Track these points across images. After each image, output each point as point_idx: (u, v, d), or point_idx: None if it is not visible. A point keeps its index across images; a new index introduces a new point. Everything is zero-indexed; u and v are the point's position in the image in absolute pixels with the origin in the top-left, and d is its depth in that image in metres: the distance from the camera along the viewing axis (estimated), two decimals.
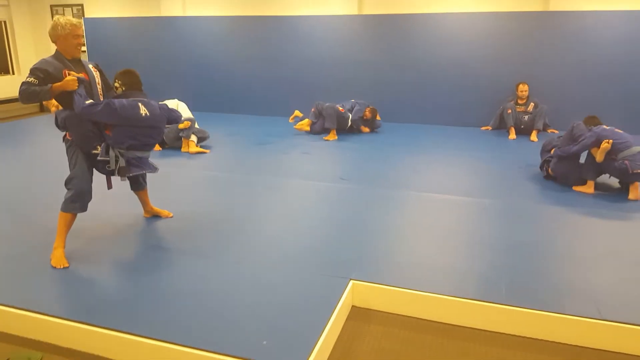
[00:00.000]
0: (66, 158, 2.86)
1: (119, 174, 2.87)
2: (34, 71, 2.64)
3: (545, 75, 6.71)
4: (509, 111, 6.46)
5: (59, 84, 2.66)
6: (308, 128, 6.49)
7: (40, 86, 2.62)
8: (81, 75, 2.76)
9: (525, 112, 6.49)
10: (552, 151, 4.44)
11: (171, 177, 4.51)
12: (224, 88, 8.25)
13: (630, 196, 3.94)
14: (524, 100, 6.56)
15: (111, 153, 2.81)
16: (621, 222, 3.49)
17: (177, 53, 8.40)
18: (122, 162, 2.84)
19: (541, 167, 4.61)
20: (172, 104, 6.03)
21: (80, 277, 2.64)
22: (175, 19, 8.37)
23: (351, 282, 2.55)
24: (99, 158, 2.82)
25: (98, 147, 2.83)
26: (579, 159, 4.31)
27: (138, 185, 3.31)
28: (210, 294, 2.45)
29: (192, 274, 2.68)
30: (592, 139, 4.08)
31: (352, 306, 2.57)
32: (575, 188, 4.18)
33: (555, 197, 4.00)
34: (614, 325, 2.20)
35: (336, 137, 6.20)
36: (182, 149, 5.53)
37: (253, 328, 2.15)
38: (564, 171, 4.27)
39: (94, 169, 2.92)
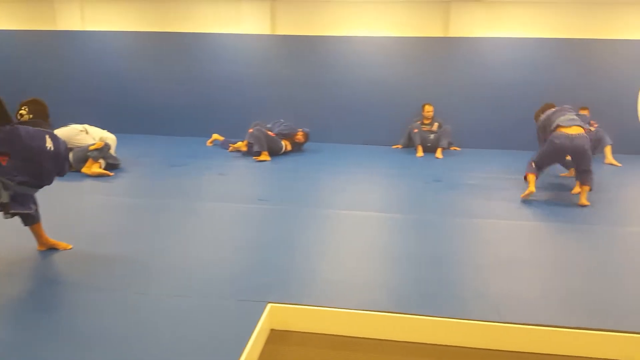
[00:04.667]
0: None
1: (1, 210, 2.59)
2: None
3: (448, 97, 7.26)
4: (415, 131, 6.89)
5: None
6: (245, 148, 6.37)
7: None
8: None
9: (431, 132, 6.95)
10: None
11: (71, 204, 4.17)
12: (133, 108, 7.87)
13: (580, 202, 4.34)
14: (429, 121, 7.02)
15: None
16: (520, 230, 3.81)
17: (79, 70, 7.88)
18: (5, 198, 2.55)
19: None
20: (78, 128, 5.59)
21: None
22: (74, 34, 7.87)
23: (269, 305, 2.51)
24: None
25: None
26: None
27: (32, 219, 2.98)
28: (117, 330, 2.27)
29: (96, 309, 2.47)
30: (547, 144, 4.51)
31: (271, 330, 2.52)
32: (522, 196, 4.51)
33: (461, 209, 4.29)
34: (512, 327, 2.37)
35: (269, 159, 6.13)
36: (83, 170, 5.14)
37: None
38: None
39: None
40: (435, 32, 7.38)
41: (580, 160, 4.35)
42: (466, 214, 4.14)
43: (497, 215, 4.12)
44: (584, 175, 4.39)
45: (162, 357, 2.07)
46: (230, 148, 6.63)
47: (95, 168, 5.15)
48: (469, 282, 2.84)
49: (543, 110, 4.88)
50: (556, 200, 4.60)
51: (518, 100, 7.13)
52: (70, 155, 5.11)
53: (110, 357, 2.05)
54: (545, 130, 4.63)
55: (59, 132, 5.22)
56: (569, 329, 2.34)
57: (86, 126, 5.62)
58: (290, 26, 7.62)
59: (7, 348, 2.12)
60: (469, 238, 3.62)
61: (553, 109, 4.71)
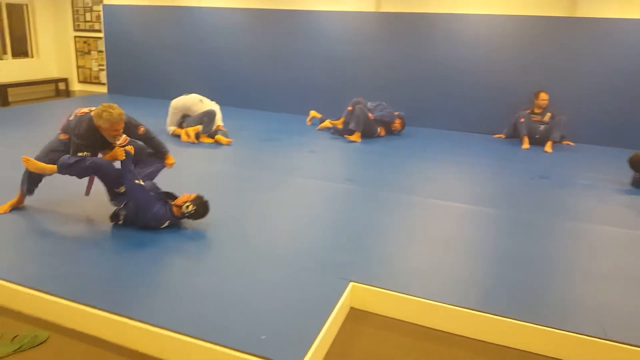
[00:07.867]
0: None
1: None
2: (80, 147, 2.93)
3: (565, 85, 6.55)
4: (522, 120, 6.35)
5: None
6: (341, 126, 6.43)
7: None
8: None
9: (541, 122, 6.37)
10: None
11: (177, 169, 4.50)
12: (235, 81, 8.25)
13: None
14: (541, 110, 6.44)
15: None
16: (636, 240, 3.39)
17: (190, 44, 8.42)
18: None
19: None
20: (198, 98, 6.03)
21: (86, 259, 2.67)
22: (190, 9, 8.39)
23: (351, 284, 2.52)
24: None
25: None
26: None
27: None
28: (210, 289, 2.44)
29: (190, 267, 2.68)
30: None
31: (351, 308, 2.54)
32: None
33: (568, 211, 3.90)
34: (619, 347, 2.13)
35: (359, 140, 6.11)
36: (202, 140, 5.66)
37: (251, 323, 2.14)
38: None
39: None
40: (559, 11, 6.65)
41: None
42: (573, 217, 3.76)
43: (610, 222, 3.68)
44: None
45: (252, 318, 2.18)
46: (327, 123, 6.64)
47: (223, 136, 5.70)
48: (568, 291, 2.59)
49: None
50: None
51: None
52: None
53: (203, 309, 2.22)
54: None
55: (182, 99, 5.97)
56: None
57: (202, 97, 6.10)
58: (397, 2, 7.36)
59: (118, 289, 2.38)
60: (573, 243, 3.29)
61: None
